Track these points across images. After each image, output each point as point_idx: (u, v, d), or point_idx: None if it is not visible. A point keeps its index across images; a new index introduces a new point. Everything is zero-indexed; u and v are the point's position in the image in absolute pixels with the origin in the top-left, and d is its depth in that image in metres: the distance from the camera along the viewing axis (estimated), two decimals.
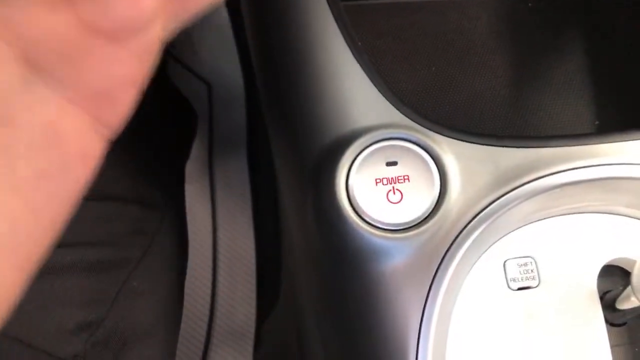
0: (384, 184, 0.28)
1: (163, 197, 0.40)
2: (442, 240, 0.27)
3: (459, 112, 0.37)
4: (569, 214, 0.30)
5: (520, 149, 0.28)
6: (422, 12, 0.40)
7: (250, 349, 0.77)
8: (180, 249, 0.42)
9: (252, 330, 0.79)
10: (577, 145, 0.28)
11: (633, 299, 0.27)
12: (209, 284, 0.81)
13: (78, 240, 0.31)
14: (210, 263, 0.82)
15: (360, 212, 0.28)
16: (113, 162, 0.41)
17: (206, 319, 0.79)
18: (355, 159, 0.28)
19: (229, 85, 0.94)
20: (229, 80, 0.94)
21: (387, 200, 0.28)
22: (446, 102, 0.37)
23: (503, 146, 0.28)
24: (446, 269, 0.27)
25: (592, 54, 0.39)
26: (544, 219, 0.30)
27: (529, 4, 0.41)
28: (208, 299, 0.80)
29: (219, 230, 0.85)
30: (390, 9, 0.40)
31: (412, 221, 0.27)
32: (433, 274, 0.27)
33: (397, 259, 0.27)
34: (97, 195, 0.34)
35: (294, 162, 0.33)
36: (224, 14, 0.89)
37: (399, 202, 0.28)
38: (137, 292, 0.33)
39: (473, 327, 0.29)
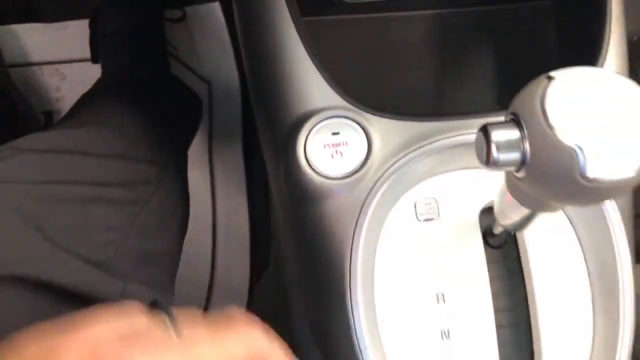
0: (330, 147, 0.41)
1: (163, 161, 0.53)
2: (366, 184, 0.40)
3: (396, 99, 0.50)
4: (461, 169, 0.43)
5: (424, 122, 0.41)
6: (371, 24, 0.52)
7: (244, 303, 0.91)
8: (178, 199, 0.55)
9: (246, 290, 0.92)
10: (463, 119, 0.41)
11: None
12: (209, 253, 0.95)
13: (98, 181, 0.42)
14: (210, 235, 0.96)
15: (313, 166, 0.40)
16: (129, 132, 0.53)
17: (206, 282, 0.92)
18: (310, 130, 0.41)
19: (226, 83, 1.07)
20: (227, 79, 1.07)
21: (331, 158, 0.41)
22: (387, 92, 0.50)
23: (412, 120, 0.41)
24: (369, 204, 0.40)
25: (501, 55, 0.51)
26: (444, 172, 0.43)
27: (453, 19, 0.54)
28: (208, 265, 0.94)
29: (217, 209, 0.98)
30: (346, 24, 0.52)
31: (348, 172, 0.40)
32: (360, 206, 0.40)
33: (336, 198, 0.40)
34: (115, 154, 0.47)
35: (269, 136, 0.45)
36: (222, 21, 1.02)
37: (340, 159, 0.41)
38: (146, 226, 0.45)
39: (394, 247, 0.42)
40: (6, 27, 1.03)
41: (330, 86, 0.42)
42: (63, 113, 1.00)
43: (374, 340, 0.41)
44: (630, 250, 0.41)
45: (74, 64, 1.06)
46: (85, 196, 0.40)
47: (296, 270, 0.47)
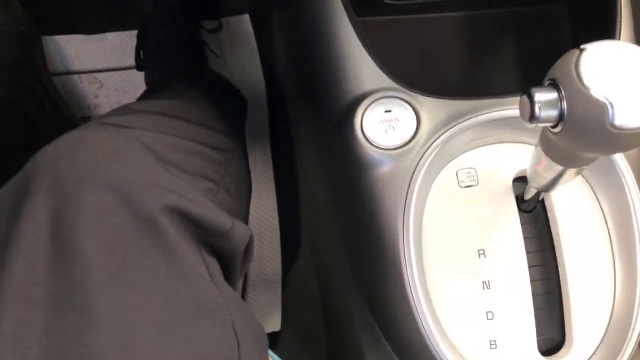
0: (384, 123, 0.47)
1: (234, 135, 0.59)
2: (416, 155, 0.47)
3: (440, 83, 0.56)
4: (495, 144, 0.49)
5: (465, 101, 0.48)
6: (417, 24, 0.59)
7: (279, 291, 0.96)
8: (247, 175, 0.61)
9: (280, 280, 0.97)
10: (498, 98, 0.48)
11: (532, 190, 0.46)
12: None
13: (195, 139, 0.49)
14: None
15: (369, 139, 0.47)
16: (203, 109, 0.60)
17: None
18: (366, 109, 0.47)
19: (254, 91, 1.14)
20: (255, 87, 1.14)
21: (385, 132, 0.47)
22: (431, 77, 0.56)
23: (455, 99, 0.48)
24: (419, 172, 0.46)
25: (524, 49, 0.58)
26: (482, 146, 0.49)
27: (486, 20, 0.60)
28: None
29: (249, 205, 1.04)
30: (395, 23, 0.59)
31: (400, 144, 0.47)
32: (411, 174, 0.46)
33: (390, 166, 0.47)
34: (202, 123, 0.54)
35: (322, 119, 0.52)
36: (251, 32, 1.10)
37: (393, 133, 0.47)
38: (229, 187, 0.51)
39: (440, 210, 0.48)
40: (49, 37, 1.10)
41: (383, 71, 0.49)
42: None
43: (426, 296, 0.46)
44: None
45: (111, 73, 1.13)
46: (188, 148, 0.46)
47: (348, 241, 0.53)
